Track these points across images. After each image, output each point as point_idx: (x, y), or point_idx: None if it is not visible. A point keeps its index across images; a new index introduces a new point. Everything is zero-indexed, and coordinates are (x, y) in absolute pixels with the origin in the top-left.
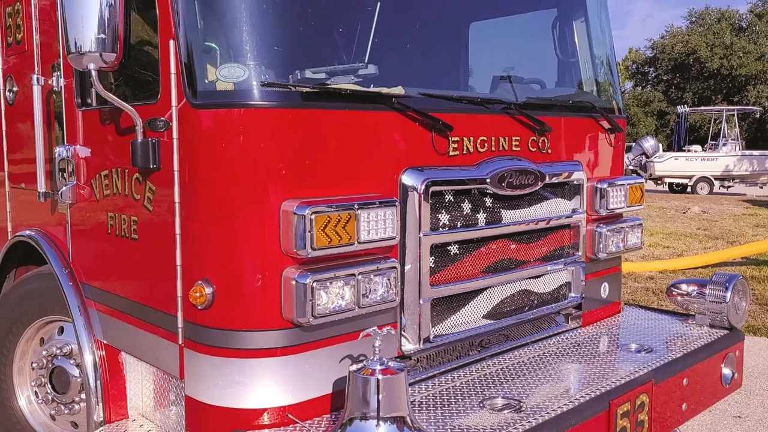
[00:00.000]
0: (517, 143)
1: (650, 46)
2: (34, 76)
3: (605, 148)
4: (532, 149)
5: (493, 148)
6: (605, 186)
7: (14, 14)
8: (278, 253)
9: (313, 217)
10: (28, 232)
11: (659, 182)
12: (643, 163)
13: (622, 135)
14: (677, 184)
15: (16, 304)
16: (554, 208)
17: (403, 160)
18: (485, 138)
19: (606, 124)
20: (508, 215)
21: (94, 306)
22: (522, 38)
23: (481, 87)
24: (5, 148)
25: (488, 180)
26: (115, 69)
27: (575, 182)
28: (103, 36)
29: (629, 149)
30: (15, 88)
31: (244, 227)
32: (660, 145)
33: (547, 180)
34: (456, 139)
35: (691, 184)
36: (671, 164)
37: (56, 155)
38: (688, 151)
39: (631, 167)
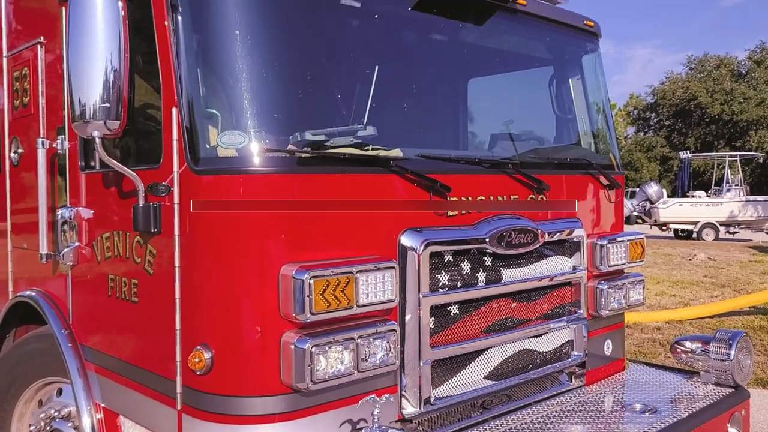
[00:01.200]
0: (516, 202)
1: (651, 92)
2: (39, 140)
3: (604, 204)
4: (531, 208)
5: (492, 208)
6: (605, 242)
7: (21, 78)
8: (277, 317)
9: (312, 281)
10: (28, 292)
11: (664, 228)
12: (647, 208)
13: (620, 191)
14: (682, 230)
15: (15, 364)
16: (554, 266)
17: (402, 221)
18: (483, 197)
19: (604, 180)
20: (508, 274)
21: (93, 368)
22: (519, 95)
23: (479, 145)
24: (8, 209)
25: (487, 239)
26: (119, 136)
27: (575, 239)
28: (108, 105)
29: (633, 195)
30: (20, 150)
31: (244, 292)
32: (664, 190)
33: (546, 238)
34: (454, 199)
35: (696, 230)
36: (676, 210)
37: (59, 217)
38: (693, 196)
39: (635, 213)
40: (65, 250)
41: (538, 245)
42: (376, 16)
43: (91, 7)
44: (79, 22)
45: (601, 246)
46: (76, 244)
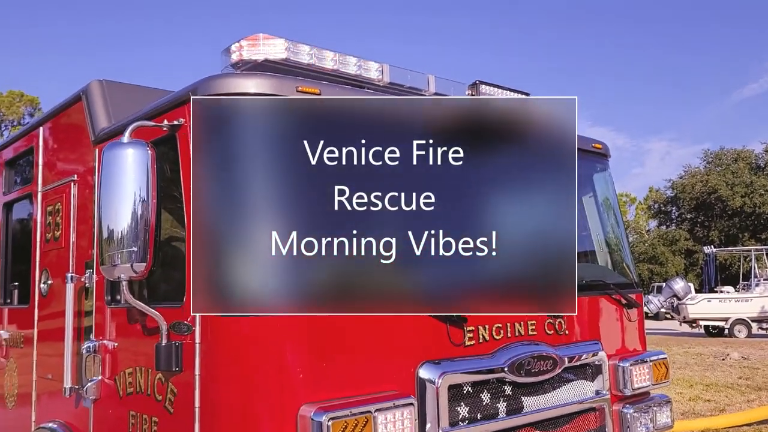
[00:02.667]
0: (534, 327)
1: (670, 186)
2: (69, 274)
3: (624, 323)
4: (548, 332)
5: (509, 334)
6: (628, 364)
7: (54, 213)
8: None
9: (330, 423)
10: (50, 424)
11: (694, 325)
12: (675, 305)
13: (640, 309)
14: (713, 327)
15: None
16: (577, 392)
17: (419, 354)
18: (500, 324)
19: (623, 300)
20: (529, 402)
21: None
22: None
23: None
24: (35, 339)
25: (506, 368)
26: (144, 278)
27: (596, 363)
28: (135, 248)
29: (659, 290)
30: (50, 281)
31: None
32: (691, 286)
33: (566, 363)
34: (471, 328)
35: (727, 326)
36: (705, 306)
37: (84, 350)
38: (721, 291)
39: (663, 309)
40: (89, 384)
41: (558, 371)
42: None
43: (122, 153)
44: (111, 165)
45: (624, 368)
46: (99, 378)
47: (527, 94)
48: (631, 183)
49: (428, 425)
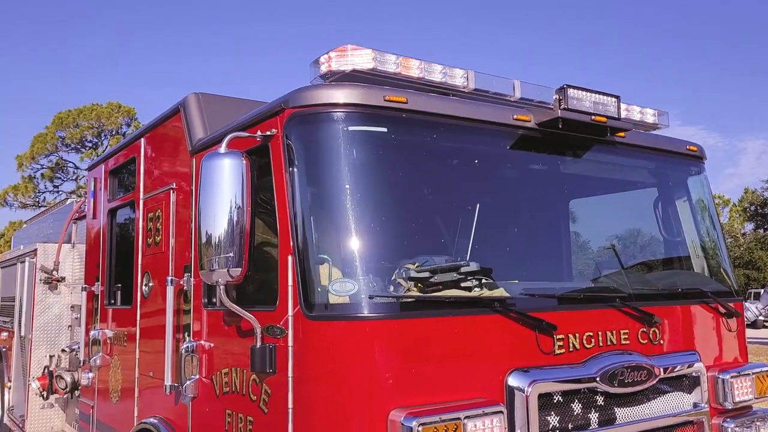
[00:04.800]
0: (626, 336)
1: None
2: (169, 277)
3: (723, 333)
4: (642, 341)
5: (601, 344)
6: (728, 376)
7: (155, 219)
8: None
9: (420, 429)
10: (152, 419)
11: None
12: None
13: (740, 319)
14: None
15: None
16: (673, 404)
17: (507, 362)
18: (591, 333)
19: (721, 308)
20: (622, 414)
21: None
22: (624, 220)
23: (585, 275)
24: (138, 338)
25: (598, 378)
26: (240, 282)
27: (693, 374)
28: (231, 254)
29: (757, 297)
30: (151, 284)
31: None
32: None
33: (661, 374)
34: (561, 336)
35: None
36: None
37: (182, 350)
38: None
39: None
40: (187, 383)
41: (653, 382)
42: (477, 159)
43: (219, 162)
44: (209, 175)
45: (724, 380)
46: (197, 376)
47: (618, 97)
48: (724, 184)
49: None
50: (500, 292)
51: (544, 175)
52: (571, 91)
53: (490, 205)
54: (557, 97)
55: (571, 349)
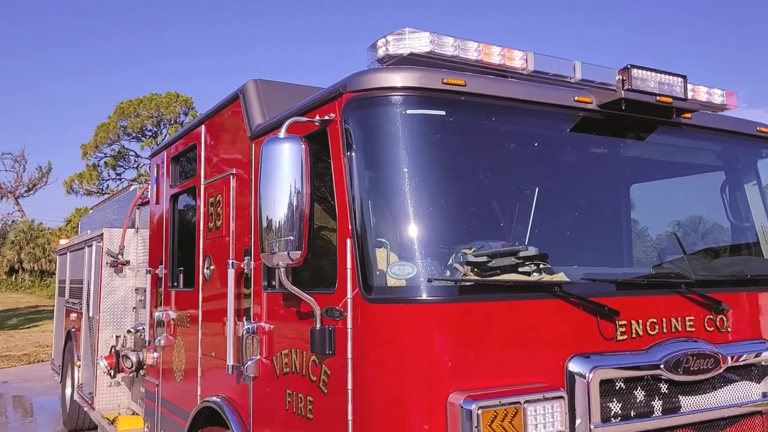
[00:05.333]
0: (692, 323)
1: None
2: (230, 260)
3: None
4: (709, 329)
5: (665, 330)
6: None
7: (216, 204)
8: None
9: (479, 412)
10: (214, 398)
11: None
12: None
13: None
14: None
15: None
16: (740, 393)
17: (568, 347)
18: (655, 320)
19: None
20: (687, 402)
21: None
22: (688, 204)
23: (647, 261)
24: (200, 319)
25: (662, 365)
26: (300, 265)
27: (763, 363)
28: (291, 237)
29: None
30: (212, 267)
31: (414, 418)
32: None
33: (729, 363)
34: (623, 322)
35: None
36: None
37: (243, 331)
38: None
39: None
40: (249, 363)
41: (720, 371)
42: (535, 143)
43: (279, 147)
44: (269, 160)
45: None
46: (258, 357)
47: (684, 77)
48: None
49: (579, 420)
50: (560, 277)
51: (605, 158)
52: (635, 71)
53: (548, 189)
54: (620, 77)
55: (633, 336)
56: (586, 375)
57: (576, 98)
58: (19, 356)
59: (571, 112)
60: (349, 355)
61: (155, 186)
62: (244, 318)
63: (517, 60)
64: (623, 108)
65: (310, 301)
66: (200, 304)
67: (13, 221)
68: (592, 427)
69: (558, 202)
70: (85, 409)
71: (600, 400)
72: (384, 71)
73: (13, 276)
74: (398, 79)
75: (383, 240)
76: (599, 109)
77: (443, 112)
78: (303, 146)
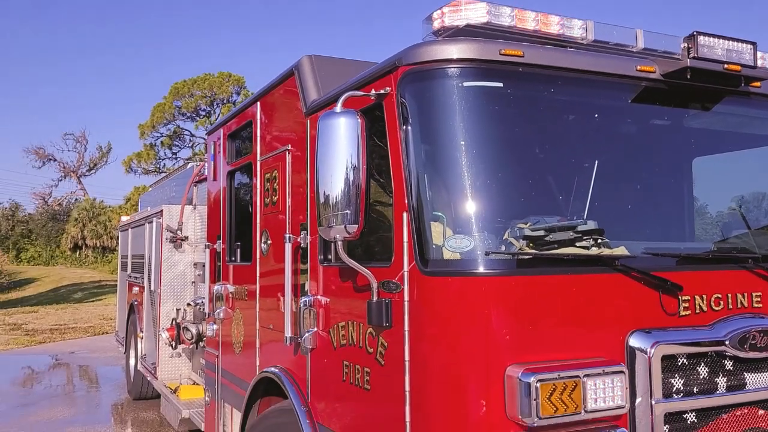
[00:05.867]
0: (759, 299)
1: None
2: (286, 235)
3: None
4: None
5: (730, 306)
6: None
7: (272, 179)
8: (503, 418)
9: (538, 385)
10: (272, 369)
11: None
12: None
13: None
14: None
15: None
16: None
17: (628, 322)
18: (720, 295)
19: None
20: (753, 380)
21: None
22: (754, 177)
23: (711, 235)
24: (258, 293)
25: (727, 342)
26: (357, 238)
27: None
28: (348, 211)
29: None
30: (269, 241)
31: (471, 390)
32: None
33: None
34: (687, 297)
35: None
36: None
37: (301, 304)
38: None
39: None
40: (306, 334)
41: None
42: (595, 114)
43: (335, 122)
44: (325, 134)
45: None
46: (315, 329)
47: (754, 44)
48: None
49: (639, 395)
50: (621, 251)
51: (667, 130)
52: (701, 39)
53: (608, 162)
54: (685, 45)
55: (697, 311)
56: (648, 350)
57: (638, 67)
58: (84, 328)
59: (632, 83)
60: (406, 328)
61: (212, 163)
62: (301, 291)
63: (576, 29)
64: (688, 77)
65: (367, 274)
66: (258, 277)
67: (76, 199)
68: (653, 402)
69: (617, 176)
70: (149, 378)
71: (662, 375)
72: (440, 43)
73: (77, 252)
74: (454, 50)
75: (439, 214)
76: (663, 79)
77: (500, 84)
78: (359, 120)
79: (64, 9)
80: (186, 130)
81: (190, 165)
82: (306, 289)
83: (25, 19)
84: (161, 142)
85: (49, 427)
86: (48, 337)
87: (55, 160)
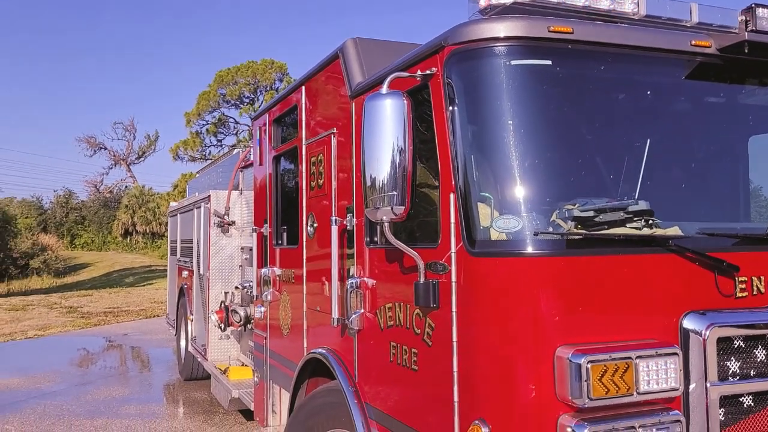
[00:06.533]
0: None
1: None
2: (333, 217)
3: None
4: None
5: None
6: None
7: (317, 163)
8: (553, 399)
9: (589, 366)
10: (320, 350)
11: None
12: None
13: None
14: None
15: (310, 415)
16: None
17: (682, 304)
18: None
19: None
20: None
21: (376, 426)
22: None
23: (766, 217)
24: (305, 276)
25: None
26: (403, 220)
27: None
28: (395, 193)
29: None
30: (315, 224)
31: (520, 371)
32: None
33: None
34: (743, 278)
35: None
36: None
37: (348, 285)
38: None
39: None
40: (353, 316)
41: None
42: (648, 91)
43: (381, 103)
44: (372, 116)
45: None
46: (362, 311)
47: None
48: None
49: (694, 377)
50: (675, 231)
51: (723, 107)
52: (760, 11)
53: (660, 141)
54: (743, 18)
55: (755, 293)
56: (702, 332)
57: (693, 42)
58: (136, 311)
59: (686, 58)
60: (454, 309)
61: (258, 147)
62: (348, 273)
63: (627, 4)
64: (745, 51)
65: (413, 255)
66: (304, 260)
67: (126, 187)
68: (708, 385)
69: (670, 156)
70: (199, 359)
71: (717, 358)
72: (486, 22)
73: (128, 238)
74: (501, 29)
75: (486, 195)
76: (718, 54)
77: (549, 62)
78: (405, 101)
79: (114, 4)
80: (230, 117)
81: (236, 151)
82: (352, 271)
83: (78, 15)
84: (207, 129)
85: (107, 405)
86: (102, 319)
87: (105, 148)
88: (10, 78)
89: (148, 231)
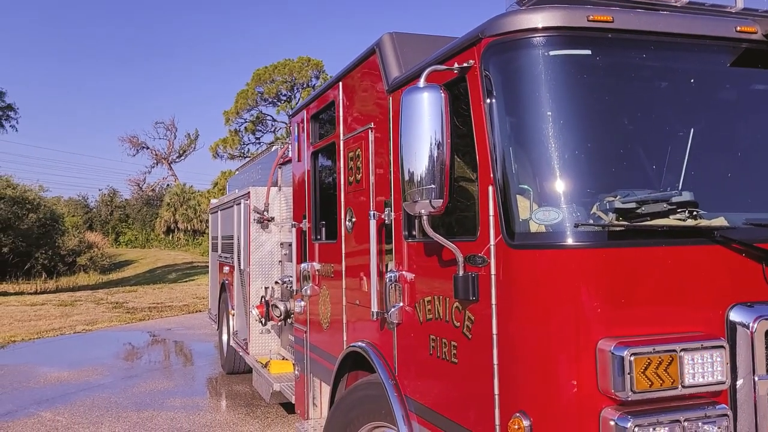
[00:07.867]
0: None
1: None
2: (371, 212)
3: None
4: None
5: None
6: None
7: (355, 158)
8: (595, 392)
9: (632, 359)
10: (360, 343)
11: None
12: None
13: None
14: None
15: (351, 408)
16: None
17: (728, 296)
18: None
19: None
20: None
21: (416, 419)
22: None
23: None
24: (344, 270)
25: None
26: (441, 213)
27: None
28: (433, 186)
29: None
30: (354, 219)
31: (561, 364)
32: None
33: None
34: None
35: None
36: None
37: (386, 279)
38: None
39: None
40: (392, 309)
41: None
42: (691, 80)
43: (419, 97)
44: (409, 109)
45: None
46: (401, 304)
47: None
48: None
49: (741, 371)
50: (720, 222)
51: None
52: None
53: (704, 130)
54: None
55: None
56: (750, 325)
57: (738, 28)
58: (179, 306)
59: (731, 45)
60: (493, 301)
61: (296, 144)
62: (387, 267)
63: None
64: None
65: (452, 248)
66: (343, 254)
67: (168, 185)
68: (756, 379)
69: (714, 145)
70: (240, 353)
71: (765, 351)
72: (524, 12)
73: (170, 235)
74: (539, 19)
75: (525, 187)
76: (765, 40)
77: (589, 52)
78: (443, 94)
79: (156, 7)
80: (268, 115)
81: (274, 148)
82: (391, 264)
83: (123, 19)
84: (245, 127)
85: (152, 398)
86: (147, 314)
87: (147, 147)
88: (58, 80)
89: (189, 228)
